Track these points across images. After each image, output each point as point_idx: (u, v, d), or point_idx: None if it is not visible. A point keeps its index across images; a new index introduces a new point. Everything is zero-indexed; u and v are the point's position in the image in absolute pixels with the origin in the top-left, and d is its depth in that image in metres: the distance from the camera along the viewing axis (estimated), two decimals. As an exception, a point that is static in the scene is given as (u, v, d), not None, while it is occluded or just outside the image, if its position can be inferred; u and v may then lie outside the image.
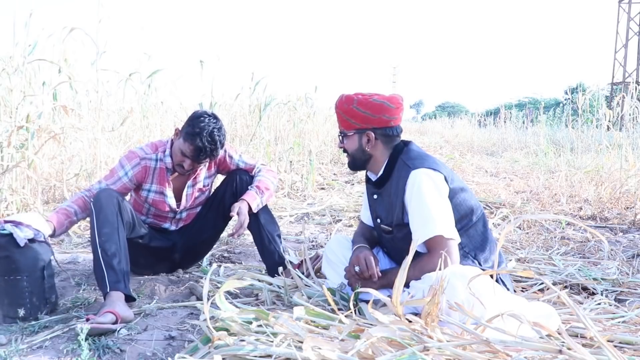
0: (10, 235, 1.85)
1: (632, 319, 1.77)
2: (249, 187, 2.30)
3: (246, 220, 2.21)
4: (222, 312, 1.56)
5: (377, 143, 1.86)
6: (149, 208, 2.32)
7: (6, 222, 1.88)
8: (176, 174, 2.29)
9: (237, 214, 2.19)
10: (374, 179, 1.93)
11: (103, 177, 2.23)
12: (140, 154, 2.24)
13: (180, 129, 2.22)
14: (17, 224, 1.87)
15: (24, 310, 1.85)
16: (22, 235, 1.85)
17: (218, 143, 2.16)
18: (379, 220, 1.96)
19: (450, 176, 1.80)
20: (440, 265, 1.54)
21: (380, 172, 1.89)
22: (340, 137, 1.93)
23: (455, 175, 1.85)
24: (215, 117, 2.19)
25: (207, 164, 2.34)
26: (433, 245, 1.71)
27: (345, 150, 1.93)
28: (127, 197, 2.31)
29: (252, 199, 2.26)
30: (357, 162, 1.92)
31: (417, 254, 1.68)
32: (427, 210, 1.71)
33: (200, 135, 2.11)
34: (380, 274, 1.81)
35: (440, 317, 1.43)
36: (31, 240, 1.87)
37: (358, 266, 1.82)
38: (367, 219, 2.08)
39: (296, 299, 1.87)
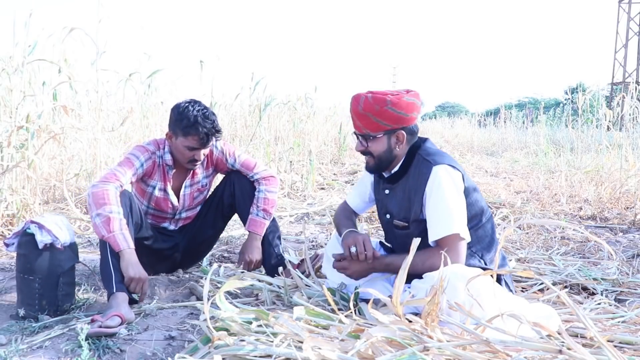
0: (33, 235, 1.88)
1: (632, 319, 1.77)
2: (257, 213, 2.31)
3: (252, 262, 2.30)
4: (222, 312, 1.56)
5: (404, 142, 1.85)
6: (148, 207, 2.31)
7: (32, 222, 1.91)
8: (174, 171, 2.29)
9: (246, 260, 2.29)
10: (386, 175, 1.93)
11: (118, 164, 2.13)
12: (150, 149, 2.23)
13: (171, 131, 2.19)
14: (40, 226, 1.88)
15: (32, 310, 1.87)
16: (39, 239, 1.86)
17: (215, 119, 2.16)
18: (388, 216, 1.95)
19: (466, 175, 1.82)
20: (443, 263, 1.54)
21: (397, 168, 1.89)
22: (362, 140, 1.86)
23: (468, 175, 1.86)
24: (194, 101, 2.19)
25: (205, 160, 2.34)
26: (447, 242, 1.71)
27: (366, 153, 1.87)
28: None
29: (262, 228, 2.32)
30: (383, 163, 1.87)
31: (421, 247, 1.67)
32: (447, 208, 1.72)
33: (197, 123, 2.11)
34: (378, 255, 1.82)
35: (440, 317, 1.43)
36: (50, 246, 1.89)
37: (355, 247, 1.81)
38: (356, 205, 2.10)
39: (296, 299, 1.87)
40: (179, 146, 2.17)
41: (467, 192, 1.80)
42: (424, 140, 1.91)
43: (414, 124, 1.85)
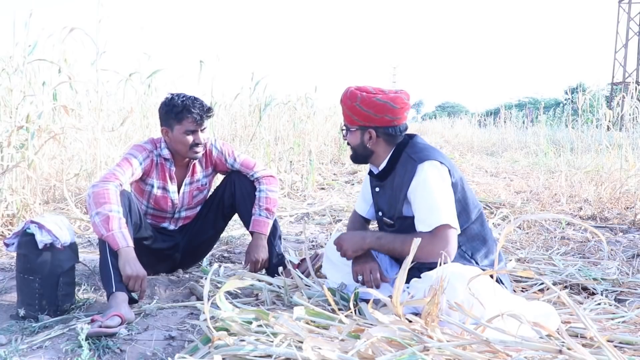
0: (33, 235, 1.88)
1: (632, 319, 1.77)
2: (259, 213, 2.31)
3: (259, 261, 2.29)
4: (222, 312, 1.56)
5: (379, 140, 1.87)
6: (148, 206, 2.31)
7: (32, 222, 1.91)
8: (174, 168, 2.29)
9: (253, 259, 2.28)
10: (375, 172, 1.94)
11: (117, 165, 2.13)
12: (148, 147, 2.25)
13: (165, 126, 2.21)
14: (40, 226, 1.88)
15: (32, 310, 1.87)
16: (39, 238, 1.86)
17: (202, 100, 2.20)
18: (380, 214, 1.97)
19: (453, 170, 1.81)
20: (440, 262, 1.54)
21: (383, 165, 1.90)
22: (343, 130, 1.93)
23: (456, 169, 1.86)
24: (176, 93, 2.23)
25: (204, 160, 2.35)
26: (436, 233, 1.71)
27: (348, 143, 1.94)
28: None
29: (266, 228, 2.31)
30: (359, 156, 1.94)
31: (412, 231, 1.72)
32: (434, 200, 1.72)
33: (187, 106, 2.14)
34: (386, 279, 1.85)
35: (440, 317, 1.43)
36: (50, 246, 1.89)
37: (361, 275, 1.85)
38: (362, 210, 2.10)
39: (296, 299, 1.87)
40: (177, 136, 2.18)
41: (455, 187, 1.79)
42: (412, 136, 1.91)
43: (392, 126, 1.84)
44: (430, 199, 1.73)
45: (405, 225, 1.83)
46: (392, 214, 1.89)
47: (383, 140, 1.87)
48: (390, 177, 1.88)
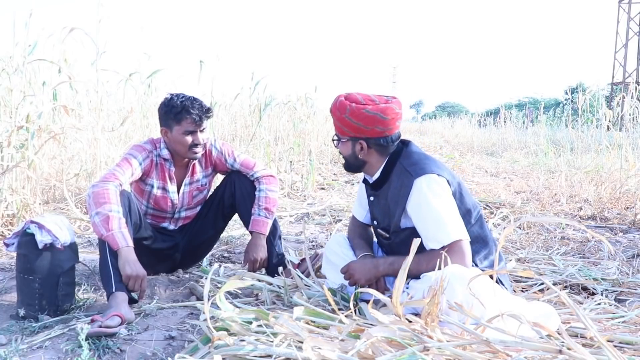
0: (33, 235, 1.88)
1: (632, 319, 1.77)
2: (259, 212, 2.31)
3: (257, 261, 2.29)
4: (222, 312, 1.56)
5: (370, 151, 1.83)
6: (148, 206, 2.31)
7: (32, 222, 1.91)
8: (173, 168, 2.29)
9: (251, 259, 2.29)
10: (370, 181, 1.92)
11: (117, 165, 2.13)
12: (147, 147, 2.25)
13: (164, 126, 2.21)
14: (40, 226, 1.88)
15: (32, 310, 1.87)
16: (39, 239, 1.87)
17: (201, 101, 2.21)
18: (375, 223, 1.96)
19: (451, 179, 1.79)
20: (440, 264, 1.54)
21: (377, 175, 1.87)
22: (335, 140, 1.91)
23: (454, 176, 1.84)
24: (175, 93, 2.23)
25: (204, 160, 2.35)
26: (449, 249, 1.67)
27: (340, 153, 1.91)
28: None
29: (265, 227, 2.31)
30: (351, 166, 1.90)
31: (423, 248, 1.68)
32: (440, 217, 1.68)
33: (186, 107, 2.15)
34: (388, 288, 1.83)
35: (440, 317, 1.43)
36: (50, 246, 1.89)
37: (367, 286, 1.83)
38: (361, 216, 2.09)
39: (296, 299, 1.87)
40: (176, 137, 2.18)
41: (453, 195, 1.76)
42: (407, 143, 1.87)
43: (384, 137, 1.80)
44: (436, 216, 1.69)
45: (401, 237, 1.82)
46: (387, 224, 1.87)
47: (375, 150, 1.83)
48: (385, 187, 1.85)
